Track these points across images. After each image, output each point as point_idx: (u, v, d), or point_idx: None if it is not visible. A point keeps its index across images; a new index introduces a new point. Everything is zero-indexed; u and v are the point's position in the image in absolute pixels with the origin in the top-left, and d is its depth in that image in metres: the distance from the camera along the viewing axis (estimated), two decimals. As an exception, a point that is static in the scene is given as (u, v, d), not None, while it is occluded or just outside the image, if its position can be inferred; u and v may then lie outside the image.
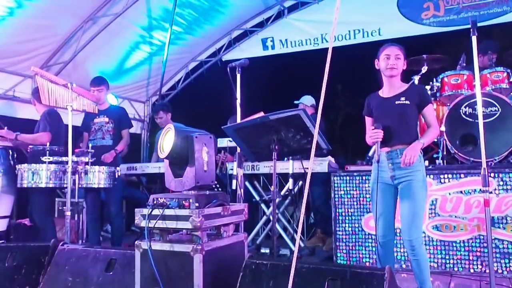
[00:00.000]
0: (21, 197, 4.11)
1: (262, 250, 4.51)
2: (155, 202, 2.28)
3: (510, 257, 3.34)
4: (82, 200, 4.17)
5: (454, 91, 4.13)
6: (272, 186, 2.92)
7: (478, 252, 3.43)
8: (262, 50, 6.88)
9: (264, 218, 4.60)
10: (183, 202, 2.22)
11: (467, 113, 3.80)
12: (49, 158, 3.51)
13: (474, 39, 2.79)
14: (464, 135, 3.79)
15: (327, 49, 1.79)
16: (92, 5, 5.25)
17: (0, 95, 5.38)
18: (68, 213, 3.38)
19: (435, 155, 4.26)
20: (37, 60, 5.45)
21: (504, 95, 3.86)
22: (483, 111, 3.47)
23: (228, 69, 3.25)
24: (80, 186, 3.63)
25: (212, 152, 2.40)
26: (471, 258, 3.45)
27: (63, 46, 5.53)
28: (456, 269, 3.48)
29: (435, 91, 4.25)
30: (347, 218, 3.84)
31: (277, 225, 4.17)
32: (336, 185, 3.89)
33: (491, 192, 3.33)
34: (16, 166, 3.64)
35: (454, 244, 3.50)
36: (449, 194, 3.55)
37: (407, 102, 2.63)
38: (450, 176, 3.55)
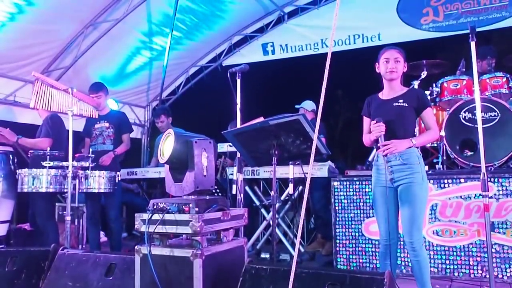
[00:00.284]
0: (21, 202, 4.12)
1: (262, 255, 4.50)
2: (155, 207, 2.28)
3: (510, 262, 3.34)
4: (82, 205, 4.18)
5: (453, 96, 4.14)
6: (272, 191, 2.92)
7: (478, 257, 3.43)
8: (262, 55, 6.91)
9: (264, 223, 4.59)
10: (183, 207, 2.22)
11: (467, 118, 3.81)
12: (49, 163, 3.52)
13: (473, 44, 2.80)
14: (464, 140, 3.80)
15: (327, 54, 1.81)
16: (93, 10, 5.28)
17: (0, 100, 5.40)
18: (68, 218, 3.38)
19: (435, 160, 4.26)
20: (38, 65, 5.47)
21: (504, 100, 3.87)
22: (482, 116, 3.48)
23: (228, 74, 3.27)
24: (80, 191, 3.64)
25: (212, 157, 2.41)
26: (471, 263, 3.44)
27: (64, 51, 5.55)
28: (456, 274, 3.47)
29: (434, 96, 4.26)
30: (347, 223, 3.84)
31: (277, 230, 4.17)
32: (336, 190, 3.89)
33: (491, 197, 3.33)
34: (17, 171, 3.65)
35: (454, 249, 3.50)
36: (449, 199, 3.55)
37: (405, 104, 2.64)
38: (450, 181, 3.56)
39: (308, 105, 5.07)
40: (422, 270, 2.55)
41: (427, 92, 4.26)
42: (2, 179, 3.74)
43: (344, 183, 3.87)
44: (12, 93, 5.52)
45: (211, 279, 2.18)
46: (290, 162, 3.96)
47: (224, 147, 4.55)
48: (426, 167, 3.82)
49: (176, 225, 2.20)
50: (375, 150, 2.84)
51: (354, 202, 3.83)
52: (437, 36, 5.88)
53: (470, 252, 3.45)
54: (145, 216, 2.26)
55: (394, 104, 2.65)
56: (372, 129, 2.63)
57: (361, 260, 3.78)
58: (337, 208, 3.87)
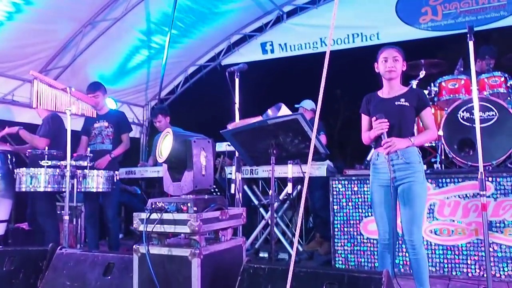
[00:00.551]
0: (19, 202, 4.11)
1: (261, 254, 4.51)
2: (153, 206, 2.28)
3: (508, 261, 3.35)
4: (81, 204, 4.17)
5: (451, 95, 4.15)
6: (270, 190, 2.92)
7: (476, 256, 3.43)
8: (261, 54, 6.91)
9: (263, 222, 4.60)
10: (181, 206, 2.22)
11: (465, 117, 3.81)
12: (47, 162, 3.51)
13: (471, 44, 2.81)
14: (462, 140, 3.80)
15: (326, 53, 1.81)
16: (92, 9, 5.27)
17: (-1, 99, 5.40)
18: (67, 217, 3.37)
19: (433, 160, 4.27)
20: (36, 64, 5.46)
21: (502, 99, 3.88)
22: (480, 116, 3.49)
23: (226, 73, 3.27)
24: (78, 190, 3.63)
25: (210, 156, 2.41)
26: (469, 262, 3.45)
27: (62, 50, 5.55)
28: (454, 273, 3.48)
29: (432, 95, 4.27)
30: (345, 222, 3.84)
31: (275, 230, 4.17)
32: (334, 189, 3.89)
33: (488, 196, 3.34)
34: (15, 170, 3.64)
35: (452, 248, 3.51)
36: (447, 198, 3.55)
37: (407, 103, 2.64)
38: (448, 180, 3.57)
39: (308, 104, 5.07)
40: (421, 269, 2.56)
41: (426, 92, 4.26)
42: (0, 178, 3.73)
43: (343, 182, 3.87)
44: (10, 92, 5.51)
45: (209, 278, 2.18)
46: (289, 161, 3.97)
47: (222, 147, 4.55)
48: (425, 166, 3.83)
49: (174, 225, 2.19)
50: (373, 149, 2.83)
51: (352, 201, 3.83)
52: (435, 35, 5.89)
53: (468, 251, 3.46)
54: (143, 215, 2.26)
55: (396, 103, 2.66)
56: (374, 126, 2.62)
57: (359, 259, 3.78)
58: (335, 207, 3.88)
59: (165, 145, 2.40)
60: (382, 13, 6.04)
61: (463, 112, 3.83)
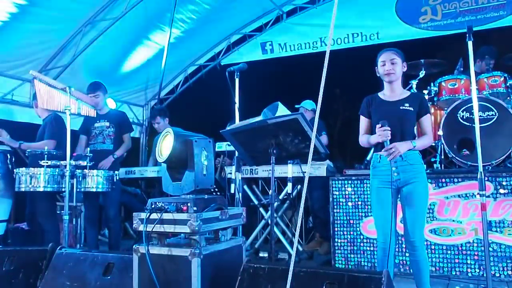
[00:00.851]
0: (19, 201, 4.11)
1: (261, 254, 4.51)
2: (153, 206, 2.28)
3: (508, 261, 3.35)
4: (80, 204, 4.17)
5: (451, 95, 4.15)
6: (270, 190, 2.92)
7: (476, 256, 3.44)
8: (261, 54, 6.91)
9: (263, 222, 4.60)
10: (181, 206, 2.22)
11: (465, 117, 3.81)
12: (47, 162, 3.51)
13: (470, 44, 2.81)
14: (462, 140, 3.80)
15: (326, 52, 1.81)
16: (91, 9, 5.26)
17: (-2, 99, 5.39)
18: (66, 217, 3.37)
19: (433, 159, 4.27)
20: (36, 64, 5.45)
21: (501, 99, 3.88)
22: (480, 116, 3.49)
23: (226, 73, 3.26)
24: (78, 190, 3.63)
25: (211, 156, 2.41)
26: (468, 262, 3.45)
27: (62, 50, 5.54)
28: (454, 273, 3.48)
29: (432, 95, 4.27)
30: (345, 222, 3.84)
31: (275, 229, 4.17)
32: (334, 189, 3.89)
33: (488, 196, 3.34)
34: (14, 170, 3.64)
35: (452, 248, 3.51)
36: (447, 198, 3.55)
37: (411, 108, 2.66)
38: (448, 180, 3.57)
39: (308, 104, 5.08)
40: (421, 271, 2.56)
41: (425, 91, 4.27)
42: (-1, 178, 3.73)
43: (343, 182, 3.88)
44: (10, 92, 5.50)
45: (209, 278, 2.18)
46: (289, 161, 3.97)
47: (223, 146, 4.55)
48: (425, 166, 3.83)
49: (174, 224, 2.20)
50: (372, 150, 2.83)
51: (352, 201, 3.83)
52: (435, 35, 5.89)
53: (468, 251, 3.46)
54: (143, 215, 2.25)
55: (401, 108, 2.66)
56: (378, 133, 2.60)
57: (359, 259, 3.78)
58: (335, 207, 3.88)
59: (165, 144, 2.40)
60: (382, 13, 6.04)
61: (462, 112, 3.83)
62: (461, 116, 3.83)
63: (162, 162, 2.40)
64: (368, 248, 3.76)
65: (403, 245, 3.49)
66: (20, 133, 4.00)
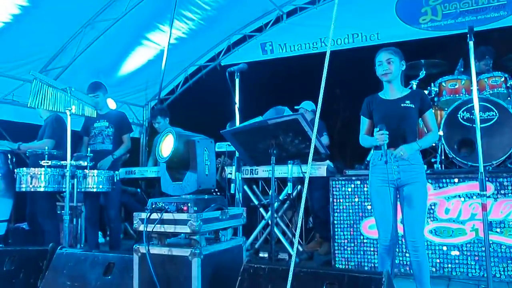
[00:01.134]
0: (19, 201, 4.11)
1: (261, 254, 4.50)
2: (153, 206, 2.28)
3: (508, 262, 3.35)
4: (81, 204, 4.17)
5: (452, 96, 4.15)
6: (270, 191, 2.92)
7: (476, 257, 3.43)
8: (261, 55, 6.91)
9: (263, 222, 4.59)
10: (182, 206, 2.22)
11: (465, 117, 3.82)
12: (47, 162, 3.51)
13: (471, 44, 2.81)
14: (462, 140, 3.80)
15: (326, 53, 1.81)
16: (92, 9, 5.27)
17: (-1, 99, 5.40)
18: (67, 217, 3.37)
19: (433, 160, 4.27)
20: (36, 64, 5.46)
21: (502, 99, 3.88)
22: (480, 116, 3.49)
23: (226, 73, 3.26)
24: (78, 190, 3.63)
25: (213, 157, 2.42)
26: (469, 262, 3.45)
27: (62, 50, 5.54)
28: (454, 273, 3.48)
29: (433, 96, 4.27)
30: (346, 222, 3.84)
31: (275, 230, 4.17)
32: (334, 189, 3.89)
33: (488, 197, 3.34)
34: (15, 170, 3.64)
35: (452, 248, 3.51)
36: (447, 198, 3.55)
37: (412, 105, 2.65)
38: (448, 180, 3.56)
39: (308, 105, 5.08)
40: (422, 271, 2.56)
41: (426, 92, 4.26)
42: (0, 178, 3.73)
43: (343, 182, 3.88)
44: (11, 92, 5.51)
45: (210, 278, 2.18)
46: (289, 161, 3.97)
47: (223, 147, 4.55)
48: (425, 167, 3.84)
49: (175, 224, 2.20)
50: (372, 149, 2.83)
51: (352, 202, 3.83)
52: (435, 35, 5.89)
53: (468, 252, 3.46)
54: (144, 215, 2.26)
55: (402, 105, 2.66)
56: (375, 137, 2.61)
57: (360, 260, 3.78)
58: (335, 207, 3.88)
59: (166, 144, 2.40)
60: (382, 13, 6.04)
61: (463, 112, 3.84)
62: (461, 117, 3.84)
63: (163, 162, 2.40)
64: (368, 249, 3.75)
65: (404, 245, 3.49)
66: (20, 134, 4.01)
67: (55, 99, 3.52)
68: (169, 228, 2.22)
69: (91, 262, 2.61)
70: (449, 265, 3.50)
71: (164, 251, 2.23)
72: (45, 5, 4.74)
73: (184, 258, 2.15)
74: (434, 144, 4.26)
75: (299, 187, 4.39)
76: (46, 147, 3.65)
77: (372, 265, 3.72)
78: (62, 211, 3.47)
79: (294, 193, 4.36)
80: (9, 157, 3.87)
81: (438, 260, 3.53)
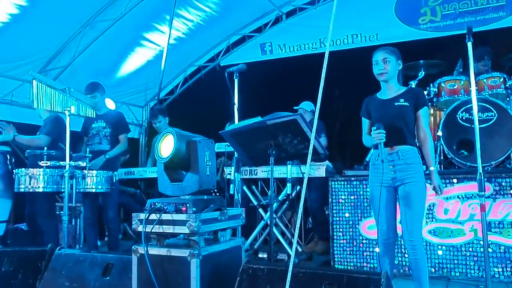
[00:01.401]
0: (18, 202, 4.11)
1: (260, 255, 4.50)
2: (152, 206, 2.28)
3: (507, 262, 3.35)
4: (80, 204, 4.16)
5: (451, 96, 4.15)
6: (269, 191, 2.92)
7: (475, 257, 3.43)
8: (260, 55, 6.91)
9: (262, 222, 4.59)
10: (180, 206, 2.22)
11: (464, 118, 3.82)
12: (46, 163, 3.51)
13: (469, 45, 2.81)
14: (461, 140, 3.80)
15: (325, 53, 1.81)
16: (91, 10, 5.27)
17: (-2, 100, 5.40)
18: (65, 218, 3.37)
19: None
20: (36, 64, 5.46)
21: (501, 100, 3.88)
22: (479, 117, 3.50)
23: (226, 74, 3.27)
24: (77, 190, 3.63)
25: (214, 157, 2.42)
26: (468, 262, 3.45)
27: (61, 50, 5.54)
28: (453, 273, 3.48)
29: (432, 96, 4.27)
30: (344, 223, 3.84)
31: (275, 230, 4.17)
32: (334, 190, 3.89)
33: (487, 197, 3.34)
34: (14, 170, 3.64)
35: (451, 249, 3.51)
36: (446, 199, 3.55)
37: (406, 103, 2.64)
38: (447, 181, 3.56)
39: (307, 105, 5.08)
40: (420, 270, 2.56)
41: (425, 92, 4.27)
42: (-1, 178, 3.73)
43: (342, 183, 3.88)
44: (10, 93, 5.50)
45: (208, 279, 2.18)
46: (288, 162, 3.97)
47: (222, 147, 4.54)
48: (424, 167, 3.84)
49: (174, 225, 2.20)
50: (372, 149, 2.83)
51: (351, 202, 3.83)
52: (434, 36, 5.89)
53: (467, 252, 3.46)
54: (142, 215, 2.25)
55: (396, 104, 2.66)
56: (373, 136, 2.61)
57: (359, 260, 3.78)
58: (335, 208, 3.88)
59: (166, 145, 2.39)
60: (381, 14, 6.04)
61: (462, 112, 3.84)
62: (460, 117, 3.84)
63: (163, 162, 2.40)
64: (367, 249, 3.75)
65: (403, 246, 3.49)
66: (20, 134, 3.99)
67: (54, 99, 3.52)
68: (168, 229, 2.22)
69: (90, 263, 2.61)
70: (448, 266, 3.50)
71: (162, 251, 2.23)
72: (44, 5, 4.74)
73: (182, 258, 2.15)
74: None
75: (298, 187, 4.38)
76: (45, 148, 3.65)
77: (372, 265, 3.72)
78: (61, 212, 3.47)
79: (293, 194, 4.36)
80: (8, 157, 3.87)
81: (437, 261, 3.53)
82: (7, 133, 3.89)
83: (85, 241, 4.33)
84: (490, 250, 3.31)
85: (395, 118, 2.63)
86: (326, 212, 4.19)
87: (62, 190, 3.52)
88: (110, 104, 5.64)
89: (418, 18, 5.89)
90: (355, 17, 6.10)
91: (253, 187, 4.72)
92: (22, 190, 3.55)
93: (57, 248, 2.77)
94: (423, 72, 4.35)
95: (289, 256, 4.23)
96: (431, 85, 4.32)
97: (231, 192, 3.80)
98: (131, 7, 5.32)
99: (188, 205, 2.20)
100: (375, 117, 2.71)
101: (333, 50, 6.23)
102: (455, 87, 4.15)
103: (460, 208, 3.52)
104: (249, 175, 4.30)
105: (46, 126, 4.05)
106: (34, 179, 3.50)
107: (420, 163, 2.63)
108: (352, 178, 3.86)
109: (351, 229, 3.82)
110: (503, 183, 3.43)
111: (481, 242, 3.34)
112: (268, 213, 4.14)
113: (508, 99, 4.11)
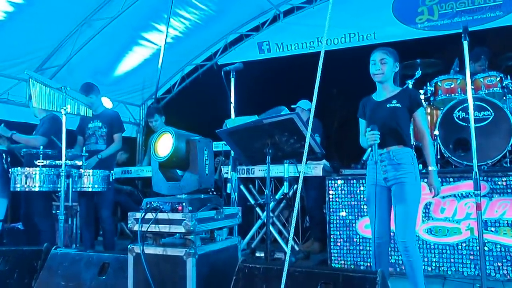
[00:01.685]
0: (14, 201, 4.09)
1: (257, 254, 4.50)
2: (148, 206, 2.27)
3: (503, 261, 3.36)
4: (76, 204, 4.15)
5: (447, 95, 4.16)
6: (266, 190, 2.92)
7: (471, 256, 3.44)
8: (258, 54, 6.91)
9: (259, 222, 4.59)
10: (176, 206, 2.21)
11: (461, 117, 3.83)
12: (42, 162, 3.50)
13: (465, 44, 2.82)
14: (458, 139, 3.81)
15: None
16: (88, 8, 5.25)
17: (-6, 98, 5.38)
18: (62, 217, 3.36)
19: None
20: (32, 63, 5.44)
21: (497, 99, 3.89)
22: (476, 116, 3.51)
23: (222, 73, 3.26)
24: (74, 189, 3.62)
25: (212, 156, 2.42)
26: (464, 261, 3.46)
27: (58, 49, 5.52)
28: (449, 272, 3.49)
29: (428, 95, 4.28)
30: (341, 221, 3.85)
31: (272, 229, 4.17)
32: (331, 189, 3.90)
33: (483, 196, 3.35)
34: (9, 169, 3.63)
35: (448, 248, 3.52)
36: (443, 197, 3.56)
37: (398, 105, 2.64)
38: (443, 180, 3.57)
39: (305, 104, 5.07)
40: (415, 271, 2.55)
41: (421, 91, 4.28)
42: (-5, 177, 3.72)
43: (339, 182, 3.88)
44: (6, 91, 5.48)
45: (204, 278, 2.18)
46: (286, 160, 3.97)
47: (220, 146, 4.54)
48: (420, 166, 3.84)
49: (170, 224, 2.19)
50: (369, 149, 2.84)
51: (348, 201, 3.84)
52: (431, 35, 5.90)
53: (463, 251, 3.47)
54: (138, 215, 2.25)
55: (388, 105, 2.65)
56: (368, 137, 2.61)
57: (355, 259, 3.79)
58: (331, 207, 3.88)
59: (163, 144, 2.38)
60: (379, 13, 6.05)
61: (458, 111, 3.85)
62: (457, 116, 3.85)
63: (161, 161, 2.38)
64: (364, 248, 3.76)
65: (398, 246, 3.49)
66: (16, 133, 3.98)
67: (50, 98, 3.50)
68: (164, 228, 2.21)
69: (86, 262, 2.60)
70: (445, 264, 3.51)
71: (158, 251, 2.22)
72: (40, 3, 4.72)
73: (178, 258, 2.15)
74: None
75: (295, 186, 4.38)
76: (41, 147, 3.64)
77: (368, 264, 3.73)
78: (58, 211, 3.46)
79: (291, 193, 4.36)
80: (4, 156, 3.85)
81: (433, 260, 3.54)
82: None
83: (81, 240, 4.32)
84: (486, 248, 3.33)
85: (388, 119, 2.62)
86: (324, 211, 4.20)
87: (58, 189, 3.51)
88: (107, 103, 5.63)
89: (415, 17, 5.90)
90: (352, 16, 6.11)
91: (250, 186, 4.71)
92: (18, 189, 3.54)
93: (53, 248, 2.76)
94: (420, 71, 4.36)
95: (286, 255, 4.23)
96: (428, 84, 4.32)
97: (228, 191, 3.79)
98: (128, 5, 5.31)
99: (184, 204, 2.20)
100: (369, 118, 2.72)
101: (330, 49, 6.24)
102: (451, 86, 4.16)
103: (457, 207, 3.53)
104: (246, 174, 4.30)
105: (43, 126, 4.03)
106: (30, 178, 3.49)
107: (412, 164, 2.60)
108: (349, 177, 3.86)
109: (348, 228, 3.82)
110: (499, 182, 3.44)
111: (477, 241, 3.35)
112: (265, 212, 4.14)
113: (504, 98, 4.12)
